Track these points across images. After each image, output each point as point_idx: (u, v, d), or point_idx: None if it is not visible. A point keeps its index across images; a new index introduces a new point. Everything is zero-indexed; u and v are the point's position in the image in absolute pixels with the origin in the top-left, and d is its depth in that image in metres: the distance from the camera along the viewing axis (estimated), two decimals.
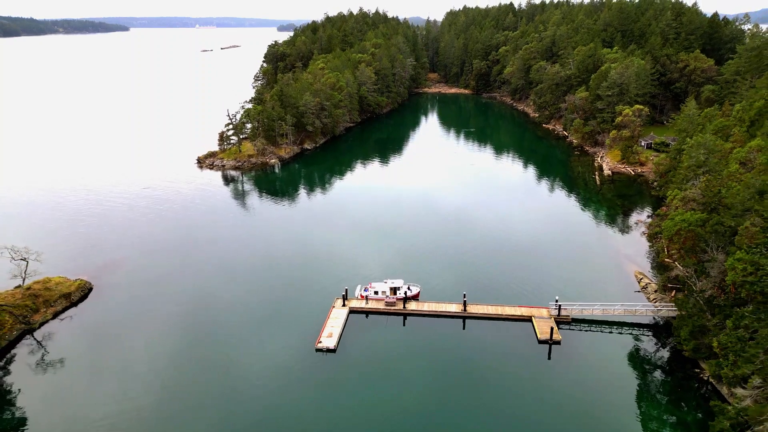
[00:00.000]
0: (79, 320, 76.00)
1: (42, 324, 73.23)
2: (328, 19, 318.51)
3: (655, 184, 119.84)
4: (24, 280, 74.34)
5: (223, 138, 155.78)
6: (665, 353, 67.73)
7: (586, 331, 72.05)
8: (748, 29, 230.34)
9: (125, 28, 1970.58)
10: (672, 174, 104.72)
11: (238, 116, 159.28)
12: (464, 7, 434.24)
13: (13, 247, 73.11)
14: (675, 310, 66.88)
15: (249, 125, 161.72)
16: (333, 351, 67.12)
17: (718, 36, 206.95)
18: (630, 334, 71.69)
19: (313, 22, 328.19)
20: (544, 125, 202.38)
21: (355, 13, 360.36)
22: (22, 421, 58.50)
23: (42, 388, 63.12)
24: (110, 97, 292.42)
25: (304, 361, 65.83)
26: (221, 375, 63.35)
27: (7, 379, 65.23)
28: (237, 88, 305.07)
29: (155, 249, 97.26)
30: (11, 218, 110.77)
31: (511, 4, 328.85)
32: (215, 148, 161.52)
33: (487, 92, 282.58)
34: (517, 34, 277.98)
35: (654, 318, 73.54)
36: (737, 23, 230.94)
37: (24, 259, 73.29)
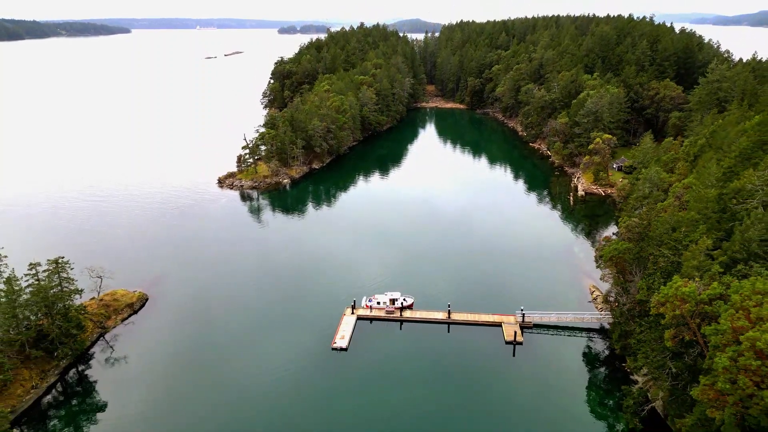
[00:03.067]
0: (140, 325, 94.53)
1: (112, 328, 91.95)
2: (331, 37, 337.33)
3: (619, 205, 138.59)
4: (99, 293, 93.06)
5: (241, 160, 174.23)
6: (605, 351, 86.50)
7: (545, 334, 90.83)
8: (724, 51, 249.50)
9: (127, 30, 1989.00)
10: (630, 198, 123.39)
11: (253, 140, 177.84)
12: (461, 21, 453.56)
13: (91, 266, 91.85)
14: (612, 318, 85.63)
15: (263, 147, 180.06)
16: (345, 350, 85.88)
17: (692, 61, 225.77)
18: (580, 336, 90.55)
19: (318, 39, 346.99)
20: (530, 144, 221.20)
21: (356, 27, 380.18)
22: (103, 405, 76.40)
23: (113, 379, 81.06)
24: (124, 112, 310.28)
25: (322, 358, 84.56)
26: (257, 368, 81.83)
27: (88, 372, 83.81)
28: (247, 105, 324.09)
29: (192, 263, 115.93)
30: (66, 236, 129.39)
31: (504, 23, 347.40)
32: (232, 167, 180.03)
33: (480, 108, 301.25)
34: (509, 53, 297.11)
35: (600, 324, 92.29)
36: (714, 45, 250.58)
37: (99, 277, 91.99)
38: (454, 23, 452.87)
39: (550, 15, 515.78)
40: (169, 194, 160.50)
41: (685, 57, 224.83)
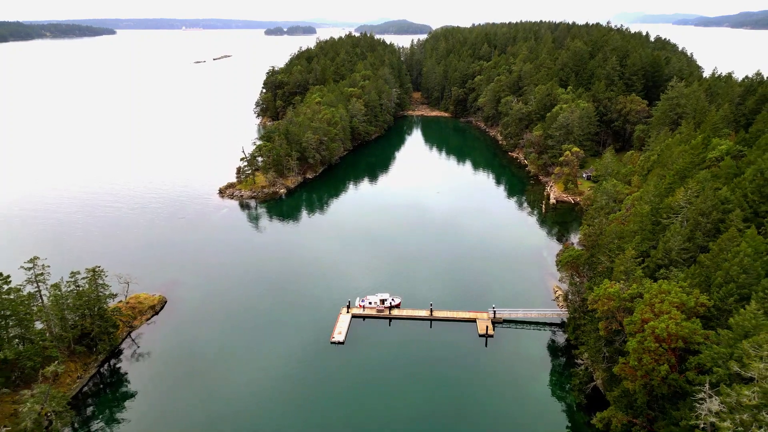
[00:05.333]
0: (161, 325, 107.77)
1: (138, 327, 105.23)
2: (320, 47, 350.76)
3: (584, 213, 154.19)
4: (126, 296, 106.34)
5: (240, 171, 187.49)
6: (563, 342, 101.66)
7: (513, 328, 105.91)
8: (689, 67, 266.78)
9: (112, 31, 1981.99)
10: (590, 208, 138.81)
11: (251, 152, 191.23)
12: (445, 26, 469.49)
13: (120, 273, 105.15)
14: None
15: (260, 159, 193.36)
16: (342, 343, 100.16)
17: (659, 75, 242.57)
18: (543, 330, 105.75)
19: (308, 49, 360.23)
20: (509, 153, 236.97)
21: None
22: (133, 394, 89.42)
23: (141, 371, 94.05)
24: (122, 120, 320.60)
25: (322, 351, 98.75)
26: (267, 360, 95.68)
27: (120, 366, 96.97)
28: (240, 113, 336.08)
29: (203, 268, 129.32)
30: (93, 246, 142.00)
31: (487, 35, 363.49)
32: (231, 177, 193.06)
33: (464, 117, 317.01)
34: (490, 64, 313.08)
35: (561, 319, 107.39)
36: (687, 53, 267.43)
37: (126, 282, 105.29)
38: (439, 31, 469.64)
39: (533, 21, 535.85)
40: (175, 204, 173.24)
41: (653, 71, 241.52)
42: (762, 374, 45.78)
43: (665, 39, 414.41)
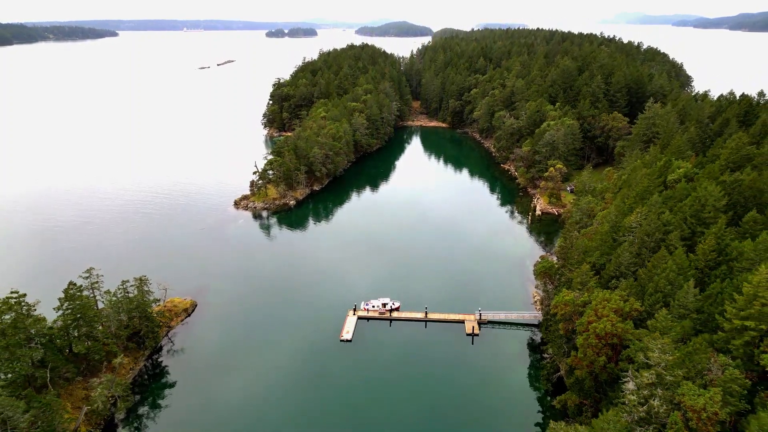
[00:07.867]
0: (193, 325, 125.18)
1: (174, 327, 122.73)
2: (324, 61, 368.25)
3: (564, 225, 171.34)
4: (164, 300, 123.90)
5: (253, 185, 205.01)
6: (538, 340, 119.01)
7: (496, 328, 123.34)
8: (670, 85, 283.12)
9: (114, 33, 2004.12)
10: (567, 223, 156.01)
11: (263, 167, 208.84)
12: (443, 38, 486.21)
13: (159, 281, 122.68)
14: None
15: (271, 173, 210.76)
16: (350, 341, 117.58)
17: (642, 92, 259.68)
18: (522, 330, 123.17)
19: (313, 61, 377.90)
20: (501, 165, 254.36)
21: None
22: (173, 384, 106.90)
23: (178, 365, 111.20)
24: (137, 131, 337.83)
25: (333, 347, 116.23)
26: (286, 355, 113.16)
27: (161, 360, 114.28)
28: (247, 123, 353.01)
29: (225, 274, 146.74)
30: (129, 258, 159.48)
31: (483, 48, 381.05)
32: (244, 189, 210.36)
33: (460, 128, 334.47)
34: (485, 78, 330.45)
35: (537, 320, 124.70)
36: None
37: (165, 289, 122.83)
38: (439, 40, 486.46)
39: (530, 28, 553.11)
40: (196, 215, 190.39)
41: (636, 88, 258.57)
42: (656, 361, 63.19)
43: (656, 49, 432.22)
